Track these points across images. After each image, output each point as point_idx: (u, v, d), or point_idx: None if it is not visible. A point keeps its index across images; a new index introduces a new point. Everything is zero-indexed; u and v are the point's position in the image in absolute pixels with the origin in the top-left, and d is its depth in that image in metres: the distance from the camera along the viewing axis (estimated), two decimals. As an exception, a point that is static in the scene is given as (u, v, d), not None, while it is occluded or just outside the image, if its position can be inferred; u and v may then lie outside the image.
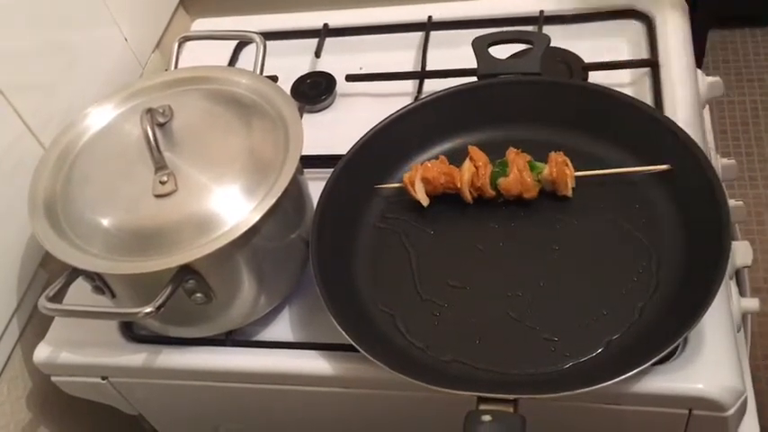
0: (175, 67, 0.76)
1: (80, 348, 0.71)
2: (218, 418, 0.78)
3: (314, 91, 0.88)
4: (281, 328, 0.70)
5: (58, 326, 0.73)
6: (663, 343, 0.57)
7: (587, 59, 0.83)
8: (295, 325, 0.70)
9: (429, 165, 0.72)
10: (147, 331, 0.71)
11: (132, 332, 0.72)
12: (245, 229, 0.60)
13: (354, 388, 0.67)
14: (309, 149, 0.68)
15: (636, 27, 0.86)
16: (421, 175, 0.71)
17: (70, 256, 0.61)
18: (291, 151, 0.64)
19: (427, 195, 0.71)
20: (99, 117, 0.70)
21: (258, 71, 0.73)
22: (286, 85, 0.88)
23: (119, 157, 0.66)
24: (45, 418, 0.79)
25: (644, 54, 0.83)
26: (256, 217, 0.61)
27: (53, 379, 0.74)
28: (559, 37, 0.84)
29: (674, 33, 0.82)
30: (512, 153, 0.71)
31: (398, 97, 0.85)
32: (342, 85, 0.88)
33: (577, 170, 0.69)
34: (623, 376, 0.55)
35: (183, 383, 0.70)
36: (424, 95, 0.81)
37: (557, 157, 0.69)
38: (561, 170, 0.69)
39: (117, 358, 0.70)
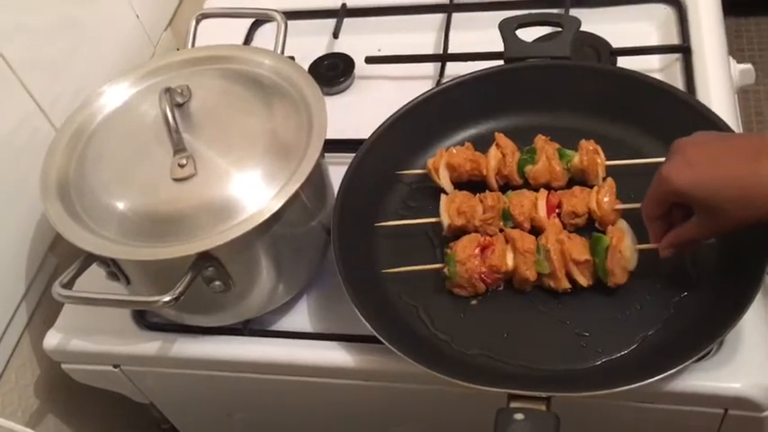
0: (192, 45, 0.73)
1: (91, 336, 0.69)
2: (232, 407, 0.76)
3: (332, 73, 0.86)
4: (300, 318, 0.68)
5: (68, 312, 0.71)
6: (701, 341, 0.55)
7: (615, 44, 0.81)
8: (314, 315, 0.68)
9: (454, 151, 0.69)
10: (160, 319, 0.69)
11: (146, 320, 0.69)
12: (266, 216, 0.58)
13: (375, 381, 0.65)
14: (328, 133, 0.65)
15: (665, 11, 0.83)
16: (446, 162, 0.69)
17: (86, 242, 0.58)
18: (315, 135, 0.62)
19: (452, 183, 0.69)
20: (114, 96, 0.68)
21: (279, 51, 0.70)
22: (303, 66, 0.85)
23: (135, 137, 0.63)
24: (53, 405, 0.77)
25: (674, 39, 0.80)
26: (278, 204, 0.58)
27: (63, 366, 0.72)
28: (586, 20, 0.81)
29: (707, 18, 0.80)
30: (540, 140, 0.68)
31: (419, 80, 0.82)
32: (361, 67, 0.85)
33: (608, 159, 0.67)
34: (662, 375, 0.53)
35: (197, 373, 0.68)
36: (447, 79, 0.78)
37: (587, 145, 0.67)
38: (592, 159, 0.66)
39: (130, 346, 0.68)
